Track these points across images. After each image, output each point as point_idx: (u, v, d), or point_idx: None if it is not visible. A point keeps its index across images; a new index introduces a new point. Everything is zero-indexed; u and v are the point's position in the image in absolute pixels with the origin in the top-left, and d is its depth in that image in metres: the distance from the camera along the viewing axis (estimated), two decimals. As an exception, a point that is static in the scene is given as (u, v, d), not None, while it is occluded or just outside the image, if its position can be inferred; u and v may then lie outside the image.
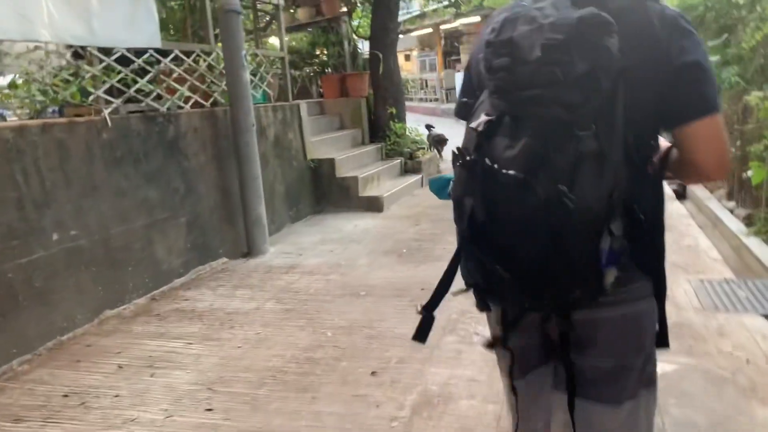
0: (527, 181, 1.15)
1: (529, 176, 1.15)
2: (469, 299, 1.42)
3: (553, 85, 1.18)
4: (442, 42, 26.93)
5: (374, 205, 7.33)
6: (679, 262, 4.57)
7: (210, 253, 5.52)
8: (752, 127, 5.57)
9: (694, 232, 5.40)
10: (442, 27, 24.58)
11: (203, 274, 5.27)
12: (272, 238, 6.14)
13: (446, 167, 10.17)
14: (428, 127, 10.92)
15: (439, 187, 1.69)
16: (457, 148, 1.32)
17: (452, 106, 20.67)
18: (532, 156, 1.17)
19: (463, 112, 1.50)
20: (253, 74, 6.45)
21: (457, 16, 20.34)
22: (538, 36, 1.22)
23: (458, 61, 26.51)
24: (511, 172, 1.16)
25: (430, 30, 25.16)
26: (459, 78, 20.13)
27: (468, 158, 1.26)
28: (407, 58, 33.52)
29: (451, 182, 1.36)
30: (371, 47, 9.32)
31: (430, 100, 23.48)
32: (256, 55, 6.77)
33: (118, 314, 4.40)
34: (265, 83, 6.78)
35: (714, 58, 6.79)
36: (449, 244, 5.59)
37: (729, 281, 4.12)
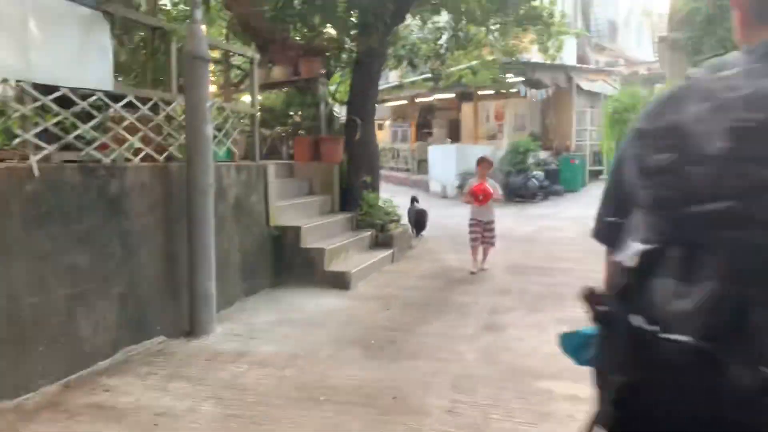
0: (715, 356, 0.76)
1: (719, 347, 0.76)
2: None
3: (752, 192, 0.76)
4: (417, 114, 26.99)
5: (340, 281, 6.63)
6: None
7: (145, 330, 4.72)
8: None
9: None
10: (417, 100, 24.65)
11: (134, 357, 4.46)
12: (221, 315, 5.37)
13: (421, 247, 9.59)
14: (413, 200, 10.42)
15: (574, 347, 1.29)
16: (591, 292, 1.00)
17: (423, 177, 20.45)
18: (722, 312, 0.76)
19: (608, 235, 1.10)
20: (218, 129, 5.83)
21: (433, 90, 20.26)
22: (723, 118, 0.82)
23: (430, 134, 26.53)
24: (683, 338, 0.78)
25: (405, 101, 25.22)
26: (431, 150, 19.89)
27: (606, 310, 0.94)
28: (380, 126, 33.50)
29: (592, 340, 1.03)
30: (349, 112, 8.86)
31: (402, 170, 23.23)
32: (223, 108, 6.17)
33: (17, 407, 3.55)
34: (230, 140, 6.16)
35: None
36: (424, 337, 4.95)
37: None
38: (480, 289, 6.54)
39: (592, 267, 6.10)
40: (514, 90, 19.93)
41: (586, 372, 3.57)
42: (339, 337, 4.96)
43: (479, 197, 7.42)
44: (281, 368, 4.26)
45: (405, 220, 9.78)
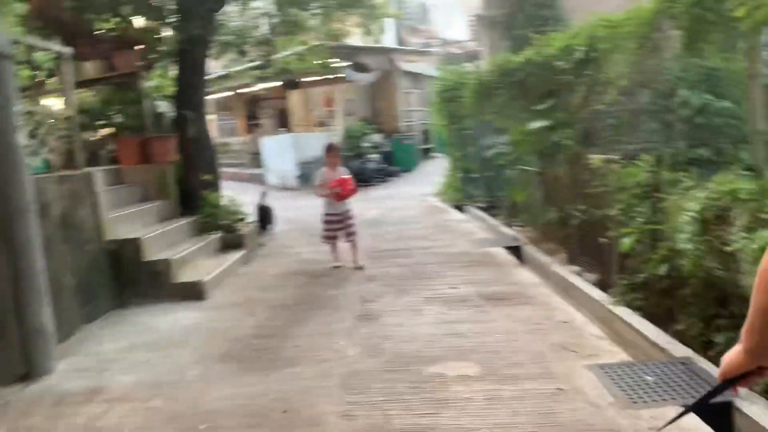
0: None
1: None
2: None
3: None
4: (243, 106, 26.11)
5: (194, 292, 6.09)
6: (566, 343, 4.12)
7: (-33, 384, 3.93)
8: (601, 190, 5.50)
9: (560, 304, 5.08)
10: (242, 91, 23.82)
11: (-44, 418, 3.69)
12: (62, 349, 4.65)
13: (273, 243, 9.19)
14: (263, 194, 9.97)
15: None
16: None
17: (258, 171, 19.86)
18: None
19: None
20: (31, 136, 5.02)
21: (259, 80, 19.66)
22: None
23: (259, 125, 25.82)
24: None
25: (229, 93, 24.23)
26: (265, 142, 19.33)
27: None
28: (205, 121, 32.07)
29: None
30: (178, 107, 8.18)
31: (235, 165, 22.36)
32: (34, 113, 5.34)
33: None
34: (47, 148, 5.35)
35: (544, 123, 6.83)
36: (300, 339, 4.66)
37: (629, 365, 3.72)
38: (344, 279, 6.36)
39: (445, 242, 6.30)
40: (341, 75, 19.95)
41: (469, 350, 3.49)
42: (205, 354, 4.52)
43: (341, 192, 6.80)
44: (146, 400, 3.76)
45: (254, 217, 9.33)
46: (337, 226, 6.91)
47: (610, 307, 4.64)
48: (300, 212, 12.40)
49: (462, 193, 12.05)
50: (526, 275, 6.08)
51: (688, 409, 1.62)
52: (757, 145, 3.80)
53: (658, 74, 5.83)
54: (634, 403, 3.21)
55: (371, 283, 6.12)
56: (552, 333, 4.35)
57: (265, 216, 9.56)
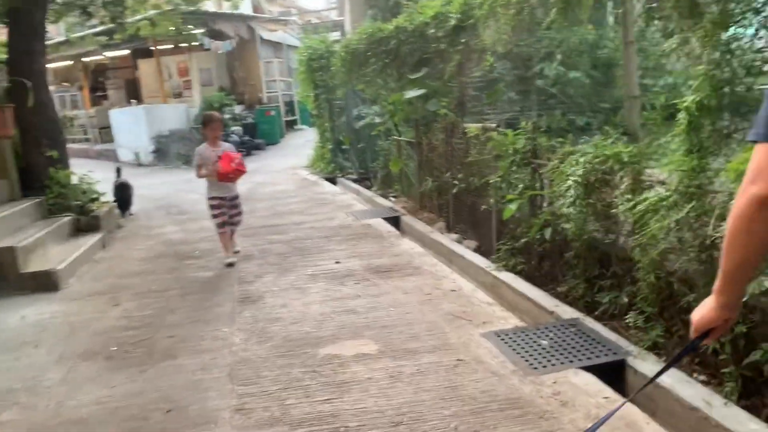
0: None
1: None
2: None
3: None
4: (86, 76, 23.90)
5: (46, 282, 5.39)
6: (458, 312, 4.08)
7: None
8: (479, 158, 5.53)
9: (446, 273, 5.06)
10: (86, 59, 21.75)
11: None
12: None
13: (133, 224, 8.43)
14: (118, 171, 9.07)
15: None
16: None
17: (108, 146, 18.27)
18: None
19: None
20: None
21: (105, 47, 18.07)
22: None
23: (105, 97, 23.81)
24: None
25: (70, 62, 22.03)
26: (114, 115, 17.82)
27: None
28: (42, 93, 29.02)
29: None
30: (12, 74, 7.17)
31: (79, 141, 20.44)
32: None
33: None
34: None
35: (418, 92, 6.77)
36: (177, 329, 4.24)
37: (523, 330, 3.74)
38: (219, 260, 5.94)
39: (322, 216, 6.07)
40: (196, 43, 18.81)
41: (363, 327, 3.33)
42: (66, 352, 3.97)
43: (230, 175, 5.62)
44: (-4, 414, 3.22)
45: (110, 197, 8.49)
46: (224, 210, 5.76)
47: (495, 273, 4.69)
48: (160, 189, 11.58)
49: (333, 165, 11.84)
50: (409, 245, 6.01)
51: (664, 369, 1.71)
52: (633, 110, 3.94)
53: (529, 44, 5.95)
54: (535, 369, 3.22)
55: (248, 263, 5.76)
56: (443, 302, 4.30)
57: (123, 195, 8.75)
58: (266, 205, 8.90)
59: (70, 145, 20.09)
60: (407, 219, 7.11)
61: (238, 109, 18.81)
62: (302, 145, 17.63)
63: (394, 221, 7.24)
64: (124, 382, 3.47)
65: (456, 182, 6.02)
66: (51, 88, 24.68)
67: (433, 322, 3.95)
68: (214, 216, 5.76)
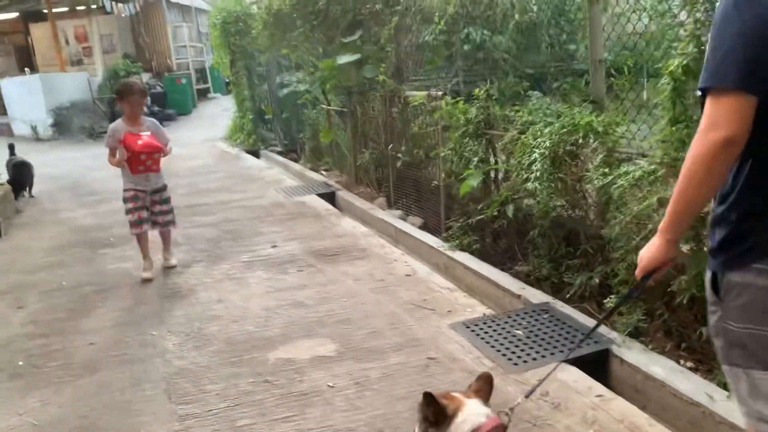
0: None
1: None
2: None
3: None
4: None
5: (-70, 284, 4.62)
6: (418, 301, 3.73)
7: None
8: (425, 130, 5.15)
9: (396, 255, 4.69)
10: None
11: None
12: None
13: (35, 209, 7.52)
14: (11, 147, 8.07)
15: None
16: None
17: (3, 120, 16.57)
18: None
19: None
20: None
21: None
22: None
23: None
24: None
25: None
26: (5, 85, 16.11)
27: None
28: None
29: None
30: None
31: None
32: None
33: None
34: None
35: (352, 58, 6.27)
36: (96, 335, 3.64)
37: (493, 319, 3.43)
38: (137, 249, 5.30)
39: (251, 193, 5.48)
40: (96, 6, 17.35)
41: (316, 322, 2.82)
42: (-42, 371, 3.33)
43: (144, 159, 4.46)
44: None
45: (5, 178, 7.55)
46: (144, 209, 4.55)
47: (449, 253, 4.37)
48: (64, 167, 10.55)
49: (255, 137, 11.17)
50: (350, 225, 5.59)
51: (610, 313, 2.05)
52: (598, 75, 3.66)
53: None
54: (515, 365, 2.92)
55: (173, 250, 5.17)
56: (399, 289, 3.94)
57: (19, 174, 7.80)
58: (187, 181, 8.20)
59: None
60: (343, 195, 6.68)
61: (145, 77, 17.54)
62: (218, 114, 16.70)
63: (330, 197, 6.79)
64: (36, 406, 2.90)
65: (399, 155, 5.62)
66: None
67: (393, 313, 3.58)
68: (128, 211, 4.53)
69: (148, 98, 16.47)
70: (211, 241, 5.34)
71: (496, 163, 4.49)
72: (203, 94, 20.41)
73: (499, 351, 3.05)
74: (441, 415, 1.52)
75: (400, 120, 5.80)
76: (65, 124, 14.78)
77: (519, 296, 3.62)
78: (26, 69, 17.03)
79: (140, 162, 4.46)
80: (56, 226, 6.47)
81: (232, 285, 4.25)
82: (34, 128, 14.92)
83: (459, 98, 4.74)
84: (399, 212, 5.80)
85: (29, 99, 14.92)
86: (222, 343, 3.37)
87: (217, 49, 12.17)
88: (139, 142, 4.40)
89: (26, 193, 7.95)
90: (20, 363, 3.35)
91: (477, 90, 4.43)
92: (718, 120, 1.34)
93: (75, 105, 15.07)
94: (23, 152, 9.07)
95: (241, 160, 9.79)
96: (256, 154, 10.40)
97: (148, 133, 4.48)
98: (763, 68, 1.31)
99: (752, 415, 1.46)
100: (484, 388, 1.69)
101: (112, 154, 4.45)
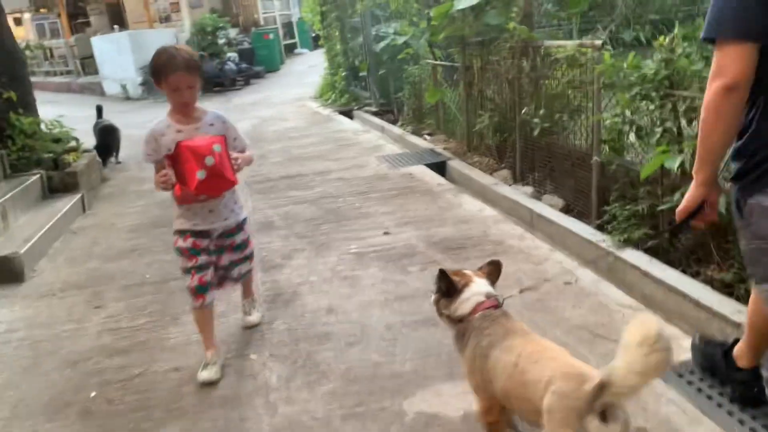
0: None
1: None
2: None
3: None
4: (64, 1, 21.86)
5: (6, 271, 4.09)
6: (594, 326, 2.80)
7: None
8: (571, 89, 4.12)
9: (544, 250, 3.75)
10: (61, -19, 19.75)
11: None
12: None
13: (121, 177, 7.02)
14: (99, 110, 7.68)
15: None
16: None
17: (92, 79, 16.53)
18: None
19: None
20: None
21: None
22: None
23: (88, 23, 21.85)
24: None
25: (44, -16, 20.03)
26: (96, 44, 16.03)
27: None
28: (18, 21, 26.84)
29: None
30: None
31: (60, 74, 18.70)
32: None
33: None
34: None
35: (473, 0, 5.22)
36: (179, 356, 2.97)
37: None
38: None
39: (349, 162, 4.19)
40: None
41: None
42: (21, 403, 2.71)
43: (200, 184, 2.53)
44: None
45: (92, 144, 7.11)
46: (209, 265, 2.80)
47: (614, 250, 3.38)
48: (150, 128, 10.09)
49: (348, 95, 10.34)
50: (473, 205, 4.68)
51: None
52: None
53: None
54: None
55: (270, 235, 4.45)
56: (563, 306, 3.00)
57: (106, 140, 7.34)
58: (278, 147, 7.50)
59: (49, 80, 18.43)
60: (456, 165, 5.74)
61: (232, 32, 17.03)
62: (306, 71, 16.02)
63: (440, 168, 5.88)
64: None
65: (536, 120, 4.60)
66: (26, 15, 22.52)
67: (562, 345, 2.67)
68: (184, 270, 2.75)
69: (236, 54, 16.03)
70: (312, 223, 4.58)
71: (680, 134, 3.42)
72: (290, 49, 19.77)
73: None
74: (451, 288, 1.90)
75: (533, 77, 4.76)
76: (154, 83, 14.48)
77: (738, 324, 2.62)
78: (115, 26, 16.84)
79: (213, 190, 2.62)
80: (142, 198, 5.90)
81: (342, 286, 3.46)
82: (124, 87, 14.73)
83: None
84: (530, 189, 4.82)
85: (118, 57, 14.70)
86: (340, 379, 2.58)
87: (306, 0, 11.35)
88: (201, 157, 2.47)
89: (113, 159, 7.50)
90: (93, 394, 2.69)
91: (661, 38, 3.34)
92: (720, 68, 1.49)
93: (163, 63, 14.70)
94: (112, 113, 8.69)
95: (334, 122, 9.00)
96: (349, 114, 9.58)
97: (211, 138, 2.58)
98: (758, 15, 1.42)
99: None
100: (493, 271, 2.05)
101: (158, 170, 2.61)
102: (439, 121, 7.11)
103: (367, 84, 9.66)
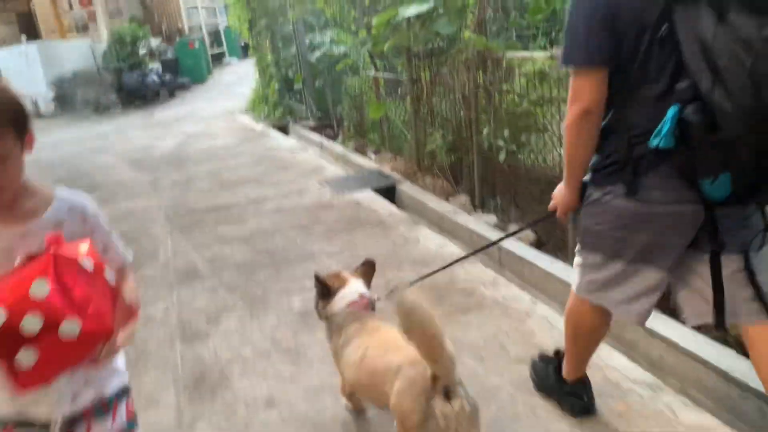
0: None
1: None
2: None
3: None
4: (-34, 8, 20.15)
5: None
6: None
7: None
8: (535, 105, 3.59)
9: (531, 306, 3.18)
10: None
11: None
12: None
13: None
14: None
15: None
16: None
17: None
18: None
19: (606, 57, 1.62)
20: None
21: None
22: None
23: (-4, 33, 20.20)
24: None
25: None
26: (2, 55, 14.60)
27: None
28: None
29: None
30: None
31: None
32: None
33: None
34: None
35: (422, 7, 4.65)
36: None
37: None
38: (148, 279, 3.85)
39: (287, 187, 3.41)
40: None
41: None
42: None
43: (24, 377, 1.13)
44: None
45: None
46: None
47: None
48: (62, 150, 9.10)
49: (282, 108, 9.62)
50: (430, 239, 4.08)
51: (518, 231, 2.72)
52: None
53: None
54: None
55: (194, 285, 3.72)
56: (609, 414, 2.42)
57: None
58: (206, 169, 6.73)
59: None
60: (407, 189, 5.15)
61: (154, 42, 15.98)
62: (235, 82, 15.18)
63: (389, 193, 5.28)
64: None
65: (501, 143, 4.05)
66: None
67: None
68: None
69: (159, 65, 15.00)
70: (245, 269, 3.87)
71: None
72: (218, 59, 18.83)
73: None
74: (326, 290, 2.11)
75: (492, 91, 4.22)
76: (68, 98, 13.31)
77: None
78: (23, 36, 15.49)
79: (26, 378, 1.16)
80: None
81: (284, 362, 2.77)
82: (34, 104, 13.47)
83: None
84: (493, 218, 4.27)
85: (27, 71, 13.44)
86: None
87: (233, 7, 10.57)
88: (28, 328, 1.10)
89: None
90: None
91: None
92: (576, 93, 1.64)
93: (78, 76, 13.56)
94: None
95: (268, 138, 8.27)
96: (284, 129, 8.88)
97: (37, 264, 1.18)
98: (603, 40, 1.56)
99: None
100: (367, 271, 2.25)
101: None
102: (384, 137, 6.51)
103: (302, 96, 8.98)
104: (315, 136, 7.88)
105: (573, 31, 1.61)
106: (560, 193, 1.91)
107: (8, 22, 20.61)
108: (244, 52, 17.86)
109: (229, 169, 6.62)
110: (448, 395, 1.61)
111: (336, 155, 6.78)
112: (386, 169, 5.80)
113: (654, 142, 1.53)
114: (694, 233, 1.67)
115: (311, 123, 8.62)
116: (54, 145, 9.46)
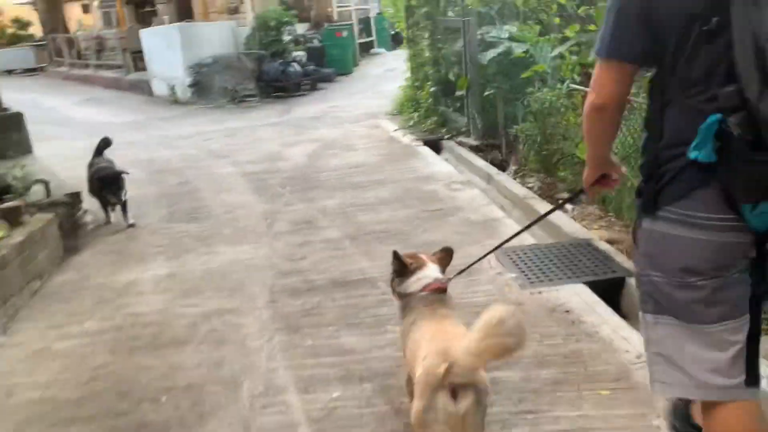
0: None
1: None
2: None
3: None
4: (127, -13, 20.30)
5: None
6: None
7: None
8: None
9: None
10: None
11: None
12: None
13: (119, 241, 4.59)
14: (103, 144, 5.48)
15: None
16: None
17: (141, 76, 14.63)
18: None
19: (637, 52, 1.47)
20: None
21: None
22: None
23: (154, 13, 20.14)
24: None
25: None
26: (145, 37, 14.03)
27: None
28: (86, 9, 25.75)
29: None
30: None
31: (112, 68, 16.98)
32: None
33: None
34: None
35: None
36: None
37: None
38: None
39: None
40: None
41: None
42: None
43: None
44: None
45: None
46: None
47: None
48: (180, 150, 7.92)
49: (436, 117, 7.83)
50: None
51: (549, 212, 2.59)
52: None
53: None
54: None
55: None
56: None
57: (103, 193, 5.06)
58: (336, 204, 5.10)
59: (100, 73, 16.77)
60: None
61: (301, 28, 14.79)
62: (382, 76, 13.67)
63: (610, 289, 3.30)
64: None
65: None
66: (95, 3, 20.88)
67: None
68: None
69: (304, 53, 13.75)
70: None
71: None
72: (365, 49, 17.44)
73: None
74: (403, 268, 2.10)
75: None
76: (205, 85, 12.38)
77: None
78: (165, 17, 14.88)
79: None
80: (104, 306, 3.58)
81: None
82: (172, 89, 12.72)
83: None
84: None
85: (167, 53, 12.70)
86: None
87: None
88: None
89: (123, 216, 5.14)
90: None
91: None
92: (595, 83, 1.52)
93: (218, 61, 12.60)
94: (155, 119, 6.60)
95: (417, 159, 6.49)
96: (435, 146, 7.08)
97: None
98: (635, 36, 1.41)
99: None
100: (444, 257, 2.22)
101: None
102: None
103: (464, 106, 7.09)
104: (479, 162, 6.02)
105: (605, 19, 1.47)
106: (586, 170, 1.84)
107: (166, 2, 20.58)
108: (394, 41, 16.30)
109: (365, 209, 4.93)
110: (455, 393, 1.65)
111: (513, 198, 4.87)
112: (597, 237, 3.81)
113: (692, 154, 1.34)
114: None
115: (473, 141, 6.76)
116: (177, 140, 8.39)
